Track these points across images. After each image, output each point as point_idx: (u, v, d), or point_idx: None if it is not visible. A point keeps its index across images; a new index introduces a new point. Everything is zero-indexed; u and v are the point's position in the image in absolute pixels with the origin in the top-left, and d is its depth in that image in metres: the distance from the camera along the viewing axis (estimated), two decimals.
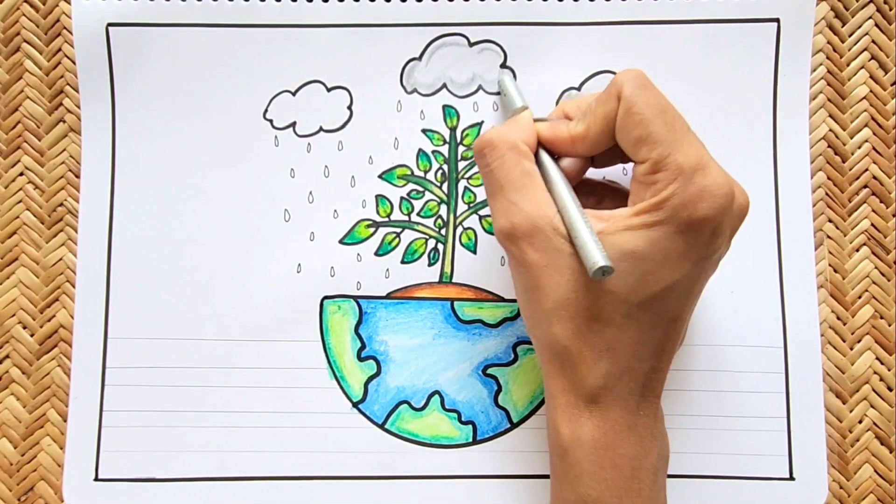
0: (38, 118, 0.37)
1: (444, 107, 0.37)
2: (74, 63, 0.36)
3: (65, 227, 0.37)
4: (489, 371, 0.36)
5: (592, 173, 0.33)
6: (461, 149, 0.37)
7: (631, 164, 0.29)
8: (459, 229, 0.36)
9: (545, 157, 0.30)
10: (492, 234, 0.36)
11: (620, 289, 0.27)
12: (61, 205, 0.37)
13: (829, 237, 0.37)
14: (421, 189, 0.37)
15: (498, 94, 0.37)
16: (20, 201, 0.37)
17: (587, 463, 0.28)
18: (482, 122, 0.37)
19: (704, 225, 0.27)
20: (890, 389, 0.36)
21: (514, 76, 0.36)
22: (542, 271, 0.28)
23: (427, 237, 0.36)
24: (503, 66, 0.36)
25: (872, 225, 0.37)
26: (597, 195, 0.33)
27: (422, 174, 0.37)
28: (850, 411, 0.36)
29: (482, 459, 0.35)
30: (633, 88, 0.28)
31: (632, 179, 0.29)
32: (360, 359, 0.36)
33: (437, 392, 0.36)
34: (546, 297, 0.28)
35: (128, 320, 0.36)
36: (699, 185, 0.27)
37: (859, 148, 0.37)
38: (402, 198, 0.37)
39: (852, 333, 0.36)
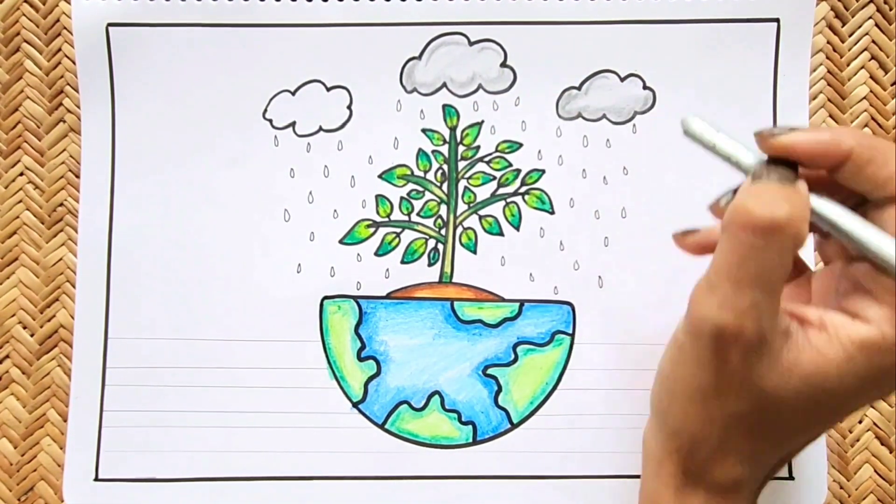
0: (38, 118, 0.37)
1: (444, 106, 0.37)
2: (74, 63, 0.36)
3: (65, 227, 0.37)
4: (489, 371, 0.36)
5: None
6: (461, 148, 0.37)
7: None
8: (459, 229, 0.36)
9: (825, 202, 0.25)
10: (491, 234, 0.36)
11: (794, 418, 0.25)
12: (61, 205, 0.37)
13: None
14: (421, 189, 0.37)
15: (498, 92, 0.36)
16: (20, 201, 0.37)
17: None
18: (482, 121, 0.37)
19: None
20: None
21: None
22: (734, 384, 0.25)
23: (427, 237, 0.36)
24: (503, 65, 0.36)
25: None
26: None
27: (422, 174, 0.37)
28: None
29: (482, 459, 0.35)
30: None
31: (843, 272, 0.26)
32: (360, 359, 0.36)
33: (437, 392, 0.36)
34: (721, 407, 0.25)
35: (128, 320, 0.36)
36: None
37: None
38: (402, 198, 0.37)
39: None
